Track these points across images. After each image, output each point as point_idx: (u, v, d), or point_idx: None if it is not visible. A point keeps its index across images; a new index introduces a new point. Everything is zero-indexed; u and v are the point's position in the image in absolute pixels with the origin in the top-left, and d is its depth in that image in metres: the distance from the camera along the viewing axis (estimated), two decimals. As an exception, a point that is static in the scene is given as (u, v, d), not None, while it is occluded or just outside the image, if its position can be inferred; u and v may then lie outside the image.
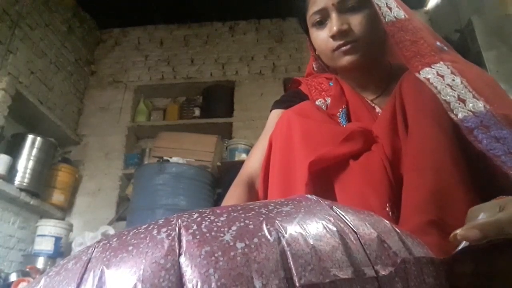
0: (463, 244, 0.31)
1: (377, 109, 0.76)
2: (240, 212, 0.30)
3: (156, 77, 3.32)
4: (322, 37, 0.77)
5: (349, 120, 0.75)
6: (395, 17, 0.64)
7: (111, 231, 2.32)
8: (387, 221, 0.33)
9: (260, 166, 0.73)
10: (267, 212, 0.30)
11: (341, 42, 0.73)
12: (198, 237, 0.27)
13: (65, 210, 2.73)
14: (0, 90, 2.16)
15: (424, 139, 0.55)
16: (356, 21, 0.73)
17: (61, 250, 2.36)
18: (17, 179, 2.26)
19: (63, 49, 2.95)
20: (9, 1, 2.37)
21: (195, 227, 0.28)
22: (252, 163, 0.78)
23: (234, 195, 0.72)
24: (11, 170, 2.22)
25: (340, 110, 0.76)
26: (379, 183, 0.57)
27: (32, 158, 2.35)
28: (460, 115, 0.51)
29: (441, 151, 0.53)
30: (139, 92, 3.27)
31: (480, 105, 0.51)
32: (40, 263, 2.27)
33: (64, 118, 2.87)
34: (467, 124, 0.50)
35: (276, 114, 0.83)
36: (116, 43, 3.48)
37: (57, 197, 2.61)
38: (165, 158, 2.53)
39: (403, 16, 0.64)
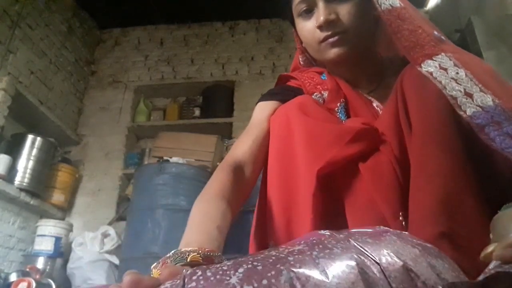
0: (494, 263, 0.28)
1: (375, 103, 0.72)
2: (248, 256, 0.28)
3: (156, 77, 3.31)
4: (308, 28, 0.72)
5: (348, 114, 0.71)
6: (390, 5, 0.60)
7: (111, 231, 2.32)
8: (415, 243, 0.29)
9: (250, 152, 0.67)
10: (277, 254, 0.28)
11: (329, 33, 0.68)
12: (202, 282, 0.25)
13: (65, 210, 2.72)
14: (0, 90, 2.15)
15: (429, 140, 0.51)
16: (344, 10, 0.68)
17: (61, 250, 2.35)
18: (17, 179, 2.26)
19: (63, 49, 2.94)
20: (9, 1, 2.36)
21: (199, 273, 0.27)
22: (240, 147, 0.70)
23: (217, 179, 0.63)
24: (11, 170, 2.21)
25: (338, 104, 0.72)
26: (390, 189, 0.54)
27: (32, 158, 2.34)
28: (468, 111, 0.47)
29: (448, 154, 0.49)
30: (139, 92, 3.27)
31: (489, 99, 0.47)
32: (40, 263, 2.26)
33: (64, 118, 2.86)
34: (478, 121, 0.46)
35: (271, 106, 0.75)
36: (116, 43, 3.48)
37: (57, 197, 2.61)
38: (165, 158, 2.53)
39: (398, 5, 0.60)
